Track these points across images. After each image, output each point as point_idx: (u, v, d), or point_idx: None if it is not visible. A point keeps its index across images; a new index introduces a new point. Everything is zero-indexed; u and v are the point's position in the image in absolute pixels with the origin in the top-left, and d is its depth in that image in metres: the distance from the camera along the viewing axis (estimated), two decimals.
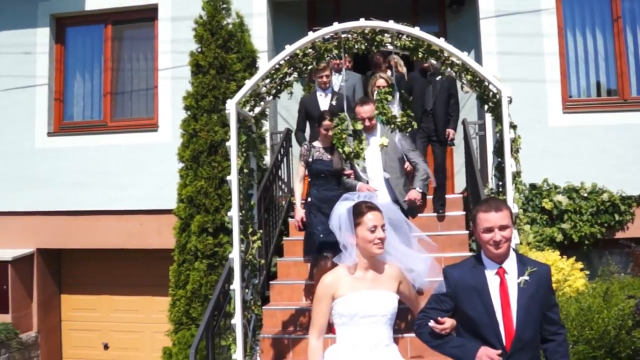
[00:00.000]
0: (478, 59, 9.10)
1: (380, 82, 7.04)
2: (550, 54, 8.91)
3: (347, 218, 3.75)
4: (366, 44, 5.59)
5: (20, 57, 9.85)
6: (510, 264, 3.59)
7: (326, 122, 6.26)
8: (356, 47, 5.63)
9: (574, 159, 8.67)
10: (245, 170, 5.66)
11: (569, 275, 6.43)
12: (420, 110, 8.14)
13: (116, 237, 9.49)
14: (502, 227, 3.48)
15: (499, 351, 3.46)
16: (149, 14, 9.73)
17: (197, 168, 7.85)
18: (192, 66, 8.06)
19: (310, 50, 5.57)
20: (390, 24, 5.34)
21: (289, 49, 5.46)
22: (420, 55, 5.39)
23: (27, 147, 9.84)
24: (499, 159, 5.42)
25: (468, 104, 9.63)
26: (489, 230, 3.49)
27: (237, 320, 5.31)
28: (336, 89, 8.43)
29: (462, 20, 9.89)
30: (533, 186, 8.55)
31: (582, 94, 9.16)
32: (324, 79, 7.92)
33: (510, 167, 5.09)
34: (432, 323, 3.56)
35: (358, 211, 3.76)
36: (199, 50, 8.07)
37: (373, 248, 3.70)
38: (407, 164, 6.17)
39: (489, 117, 8.75)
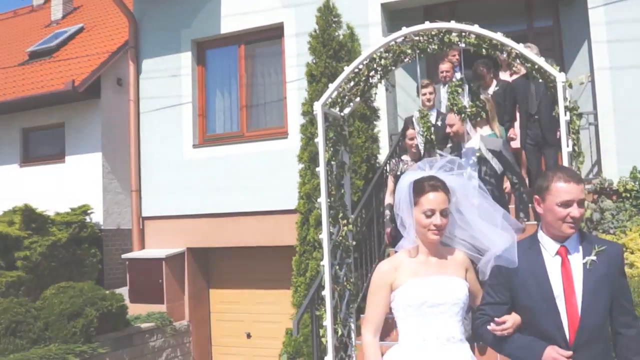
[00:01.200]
0: (590, 49, 9.44)
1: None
2: None
3: (408, 193, 3.44)
4: (438, 44, 6.33)
5: (168, 80, 11.46)
6: (574, 243, 3.23)
7: (410, 131, 6.95)
8: (430, 47, 6.38)
9: None
10: (333, 163, 6.58)
11: None
12: (525, 116, 8.21)
13: (254, 235, 10.74)
14: (581, 202, 3.15)
15: (569, 352, 3.07)
16: (276, 32, 10.96)
17: (313, 168, 8.86)
18: (307, 76, 9.11)
19: (386, 54, 6.41)
20: (452, 24, 6.05)
21: (364, 54, 6.35)
22: (484, 50, 6.04)
23: (176, 158, 11.40)
24: None
25: (583, 96, 9.94)
26: (567, 204, 3.13)
27: (326, 292, 6.22)
28: (443, 106, 8.56)
29: (574, 12, 10.21)
30: None
31: None
32: (427, 95, 8.21)
33: (566, 147, 5.63)
34: (491, 326, 3.24)
35: (419, 188, 3.43)
36: (313, 61, 9.12)
37: (428, 234, 3.38)
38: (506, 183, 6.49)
39: (602, 106, 9.14)
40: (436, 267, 3.42)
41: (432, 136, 7.16)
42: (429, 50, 6.41)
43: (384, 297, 3.44)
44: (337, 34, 9.06)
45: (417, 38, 6.33)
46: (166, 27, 11.62)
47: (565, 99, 5.72)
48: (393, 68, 6.61)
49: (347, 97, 6.74)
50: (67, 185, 13.91)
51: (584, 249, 3.19)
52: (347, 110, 6.87)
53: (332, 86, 6.45)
